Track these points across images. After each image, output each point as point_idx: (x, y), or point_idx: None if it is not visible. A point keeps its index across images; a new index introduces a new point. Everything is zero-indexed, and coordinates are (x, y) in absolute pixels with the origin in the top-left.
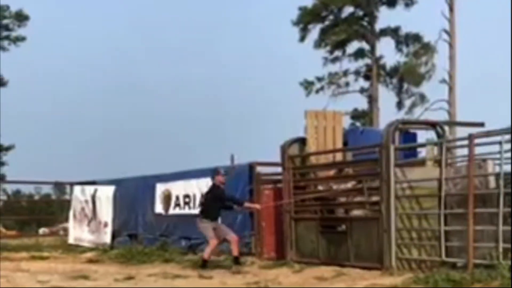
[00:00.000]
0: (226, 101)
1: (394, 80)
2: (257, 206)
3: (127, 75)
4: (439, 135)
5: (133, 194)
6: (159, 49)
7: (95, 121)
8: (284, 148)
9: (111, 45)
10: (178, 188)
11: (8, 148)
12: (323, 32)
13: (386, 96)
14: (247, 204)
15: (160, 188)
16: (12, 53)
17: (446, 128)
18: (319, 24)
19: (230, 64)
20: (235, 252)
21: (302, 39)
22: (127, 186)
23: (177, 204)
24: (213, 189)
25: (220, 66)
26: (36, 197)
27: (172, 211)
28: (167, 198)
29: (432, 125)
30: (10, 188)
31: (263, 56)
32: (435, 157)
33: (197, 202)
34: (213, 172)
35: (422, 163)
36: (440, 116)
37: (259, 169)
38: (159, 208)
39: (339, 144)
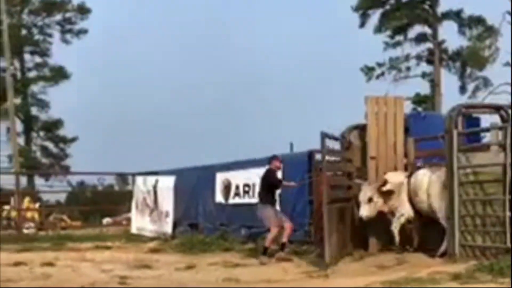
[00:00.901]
0: (285, 88)
1: (457, 64)
2: (292, 184)
3: (188, 68)
4: (503, 119)
5: (194, 184)
6: (223, 45)
7: (156, 113)
8: (344, 135)
9: (174, 36)
10: (238, 178)
11: (72, 140)
12: (384, 17)
13: (448, 81)
14: (285, 183)
15: (220, 177)
16: (75, 46)
17: (511, 111)
18: (379, 9)
19: (288, 50)
20: (285, 239)
21: (362, 24)
22: (187, 176)
23: (237, 193)
24: (267, 173)
25: (278, 51)
26: (100, 188)
27: (232, 200)
28: (227, 187)
29: (496, 109)
30: (74, 179)
31: (322, 42)
32: (500, 142)
33: (257, 191)
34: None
35: (486, 148)
36: (504, 99)
37: (318, 157)
38: (219, 197)
39: (400, 131)
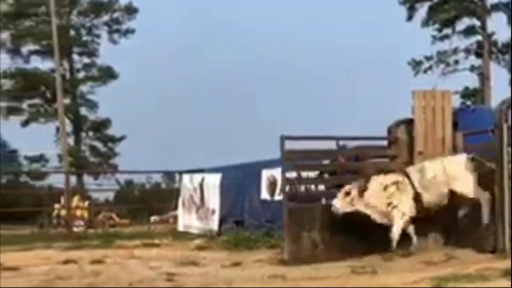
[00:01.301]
0: (329, 82)
1: (507, 57)
2: None
3: (235, 68)
4: None
5: (239, 181)
6: (271, 43)
7: (202, 111)
8: (390, 130)
9: (218, 34)
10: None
11: (120, 139)
12: (431, 10)
13: (498, 74)
14: None
15: (266, 174)
16: (122, 45)
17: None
18: (427, 2)
19: (334, 44)
20: None
21: (409, 18)
22: (233, 173)
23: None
24: None
25: (323, 46)
26: (147, 187)
27: (278, 197)
28: (272, 184)
29: None
30: (122, 178)
31: (369, 36)
32: None
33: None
34: None
35: None
36: None
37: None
38: (264, 194)
39: (449, 125)
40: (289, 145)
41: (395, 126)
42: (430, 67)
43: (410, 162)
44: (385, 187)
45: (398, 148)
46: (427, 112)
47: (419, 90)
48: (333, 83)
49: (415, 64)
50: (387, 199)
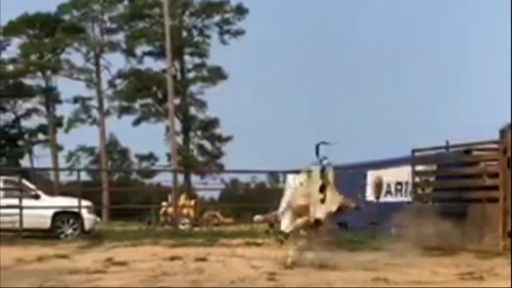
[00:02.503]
0: (440, 80)
1: None
2: None
3: (341, 68)
4: None
5: (344, 182)
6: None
7: (309, 111)
8: (504, 132)
9: (327, 33)
10: (390, 175)
11: (227, 139)
12: None
13: None
14: None
15: (371, 175)
16: (232, 46)
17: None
18: None
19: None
20: None
21: None
22: (338, 173)
23: (389, 191)
24: None
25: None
26: (252, 186)
27: (383, 198)
28: (378, 185)
29: None
30: (228, 177)
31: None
32: None
33: (409, 189)
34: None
35: None
36: None
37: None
38: (370, 195)
39: None
40: None
41: (509, 128)
42: None
43: None
44: None
45: None
46: None
47: None
48: (448, 84)
49: None
50: None
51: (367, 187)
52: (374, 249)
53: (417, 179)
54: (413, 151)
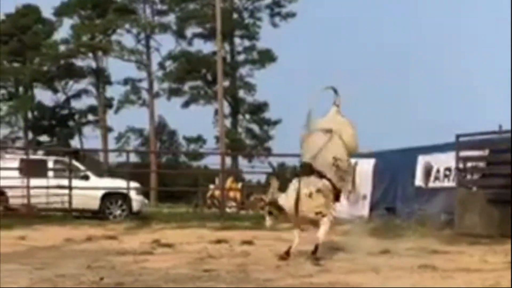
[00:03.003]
0: (492, 62)
1: None
2: None
3: (388, 47)
4: None
5: (394, 167)
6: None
7: (358, 94)
8: None
9: (377, 16)
10: (439, 161)
11: (275, 123)
12: None
13: None
14: None
15: (421, 160)
16: (282, 29)
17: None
18: None
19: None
20: None
21: None
22: (387, 158)
23: (437, 177)
24: None
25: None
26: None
27: (432, 184)
28: (428, 170)
29: None
30: (275, 161)
31: None
32: None
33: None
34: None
35: None
36: None
37: None
38: (419, 181)
39: None
40: None
41: None
42: None
43: None
44: None
45: None
46: None
47: None
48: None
49: None
50: None
51: (417, 172)
52: (422, 235)
53: (461, 165)
54: (458, 136)
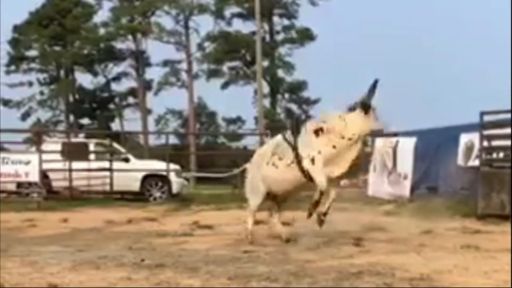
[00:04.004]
0: None
1: None
2: None
3: (429, 24)
4: None
5: (435, 146)
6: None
7: (395, 73)
8: None
9: None
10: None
11: (314, 102)
12: None
13: None
14: None
15: (463, 139)
16: (322, 7)
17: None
18: None
19: None
20: None
21: None
22: (429, 137)
23: (478, 156)
24: None
25: None
26: None
27: (473, 163)
28: (470, 149)
29: None
30: None
31: None
32: None
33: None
34: None
35: None
36: None
37: None
38: (461, 160)
39: None
40: None
41: None
42: None
43: None
44: None
45: None
46: None
47: None
48: None
49: None
50: None
51: (459, 151)
52: (464, 215)
53: (486, 143)
54: (482, 113)
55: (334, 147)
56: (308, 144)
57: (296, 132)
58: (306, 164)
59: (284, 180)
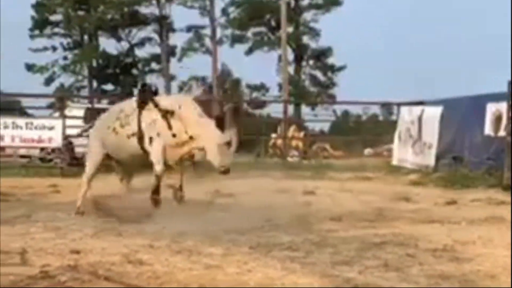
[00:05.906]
0: None
1: None
2: None
3: None
4: None
5: (462, 115)
6: None
7: (423, 41)
8: None
9: None
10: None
11: (340, 69)
12: None
13: None
14: None
15: (490, 108)
16: None
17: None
18: None
19: None
20: None
21: None
22: (455, 106)
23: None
24: None
25: None
26: (364, 118)
27: (502, 133)
28: (497, 119)
29: None
30: (339, 108)
31: None
32: None
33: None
34: None
35: None
36: None
37: None
38: (488, 130)
39: None
40: None
41: None
42: None
43: None
44: None
45: None
46: None
47: None
48: None
49: None
50: None
51: (486, 121)
52: (490, 186)
53: None
54: (510, 82)
55: (174, 136)
56: (152, 123)
57: (142, 102)
58: (146, 144)
59: (122, 150)
